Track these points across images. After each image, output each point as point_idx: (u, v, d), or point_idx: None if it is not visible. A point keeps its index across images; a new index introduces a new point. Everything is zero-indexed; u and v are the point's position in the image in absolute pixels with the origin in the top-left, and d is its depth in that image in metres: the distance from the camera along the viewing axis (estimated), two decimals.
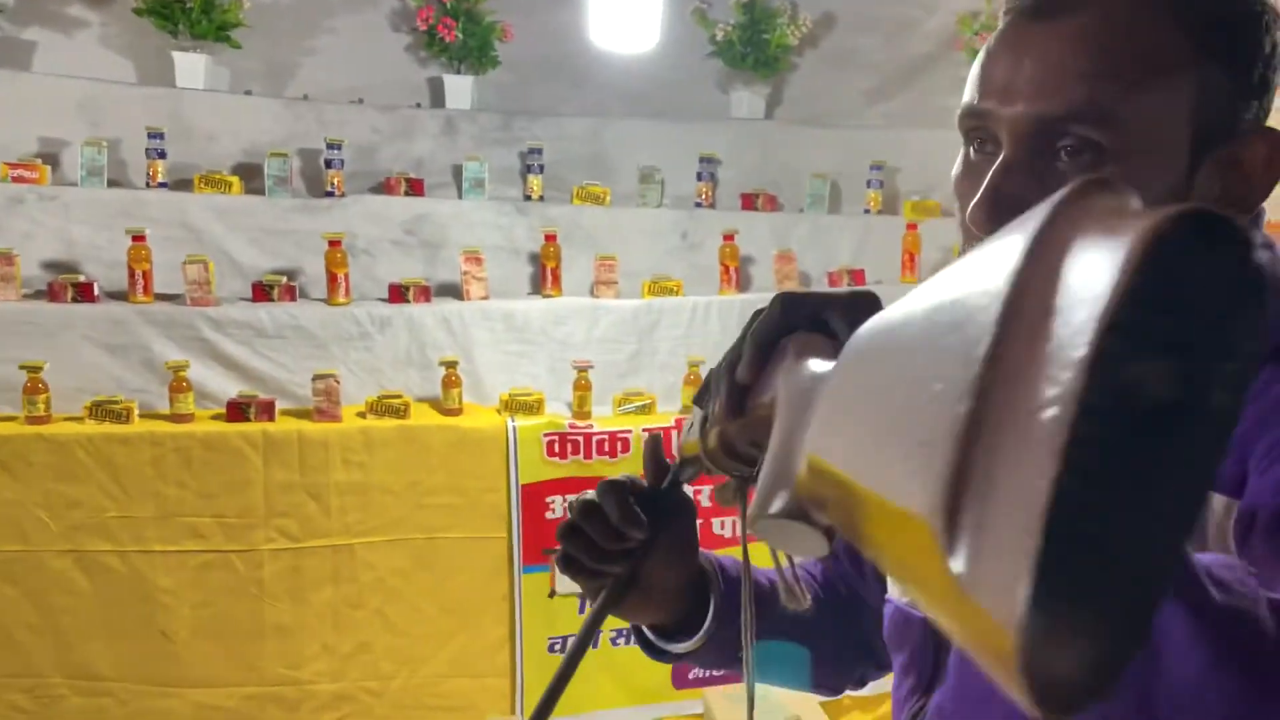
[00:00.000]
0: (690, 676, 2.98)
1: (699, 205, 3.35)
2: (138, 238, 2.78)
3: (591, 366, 2.94)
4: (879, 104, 3.64)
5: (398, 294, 2.98)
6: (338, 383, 2.77)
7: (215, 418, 2.75)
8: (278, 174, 3.04)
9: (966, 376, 0.31)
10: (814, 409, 0.45)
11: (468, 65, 3.27)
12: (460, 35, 3.19)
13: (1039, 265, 0.31)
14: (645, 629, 0.91)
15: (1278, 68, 0.65)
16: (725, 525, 2.80)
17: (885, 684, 0.88)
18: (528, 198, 3.24)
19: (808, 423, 0.46)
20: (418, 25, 3.23)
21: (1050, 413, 0.28)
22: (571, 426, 2.85)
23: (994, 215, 0.63)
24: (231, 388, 2.80)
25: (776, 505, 0.47)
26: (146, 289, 2.80)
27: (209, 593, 2.67)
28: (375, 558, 2.76)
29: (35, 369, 2.61)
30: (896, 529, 0.33)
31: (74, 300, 2.75)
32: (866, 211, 3.44)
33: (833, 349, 0.53)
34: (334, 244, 2.93)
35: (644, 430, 2.81)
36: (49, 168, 2.93)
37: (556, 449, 2.84)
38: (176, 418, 2.70)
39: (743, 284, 3.28)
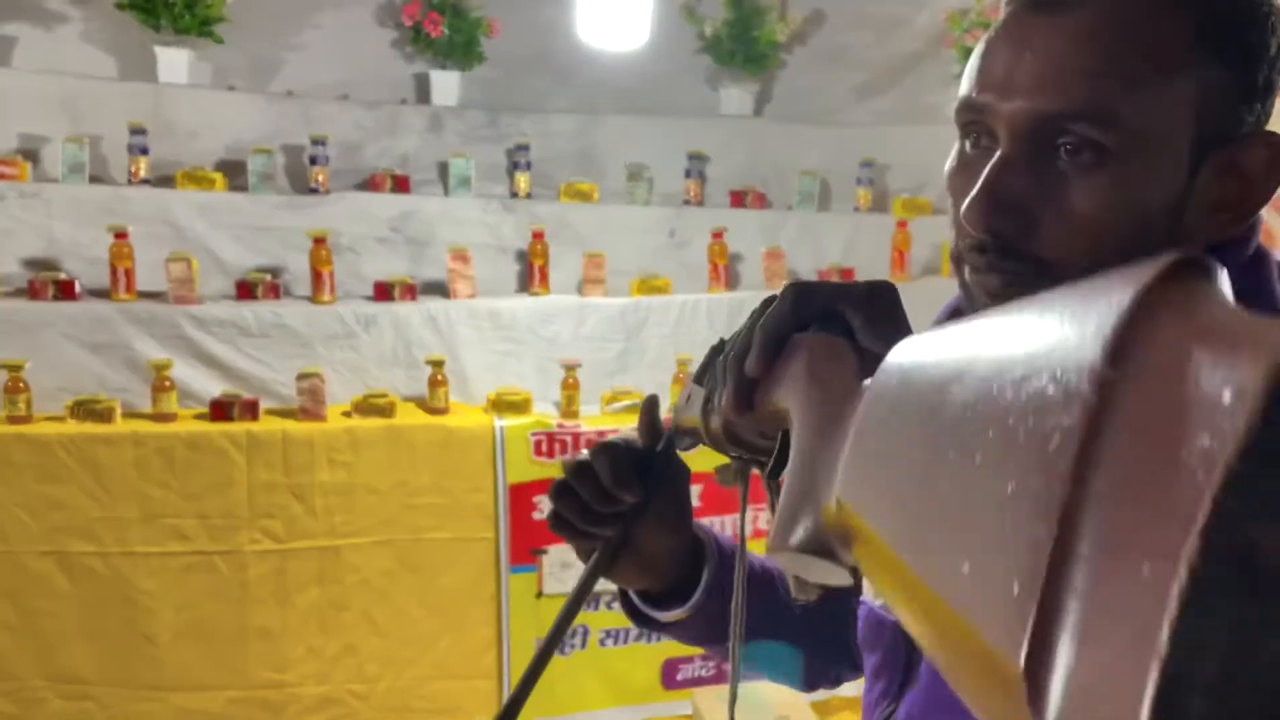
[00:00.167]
0: (679, 677, 2.97)
1: (687, 203, 3.34)
2: (120, 235, 2.75)
3: (579, 365, 2.92)
4: (868, 101, 3.62)
5: (383, 292, 2.96)
6: (322, 382, 2.74)
7: (199, 417, 2.72)
8: (262, 170, 3.01)
9: (1052, 491, 0.28)
10: (844, 439, 0.43)
11: (454, 61, 3.24)
12: (446, 31, 3.16)
13: (1129, 363, 0.28)
14: (633, 594, 0.90)
15: None
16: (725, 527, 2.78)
17: None
18: (515, 195, 3.22)
19: (837, 454, 0.44)
20: (403, 20, 3.20)
21: (1166, 564, 0.24)
22: (559, 426, 2.83)
23: (989, 214, 0.61)
24: (215, 387, 2.77)
25: (799, 537, 0.45)
26: (129, 287, 2.76)
27: (192, 595, 2.64)
28: (361, 559, 2.74)
29: (16, 368, 2.58)
30: (960, 648, 0.30)
31: (55, 298, 2.72)
32: (856, 209, 3.43)
33: (850, 355, 0.52)
34: (319, 241, 2.90)
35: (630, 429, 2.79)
36: (29, 164, 2.89)
37: (544, 449, 2.81)
38: (159, 417, 2.67)
39: (731, 282, 3.26)
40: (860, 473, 0.41)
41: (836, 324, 0.55)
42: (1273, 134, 0.63)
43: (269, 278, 2.90)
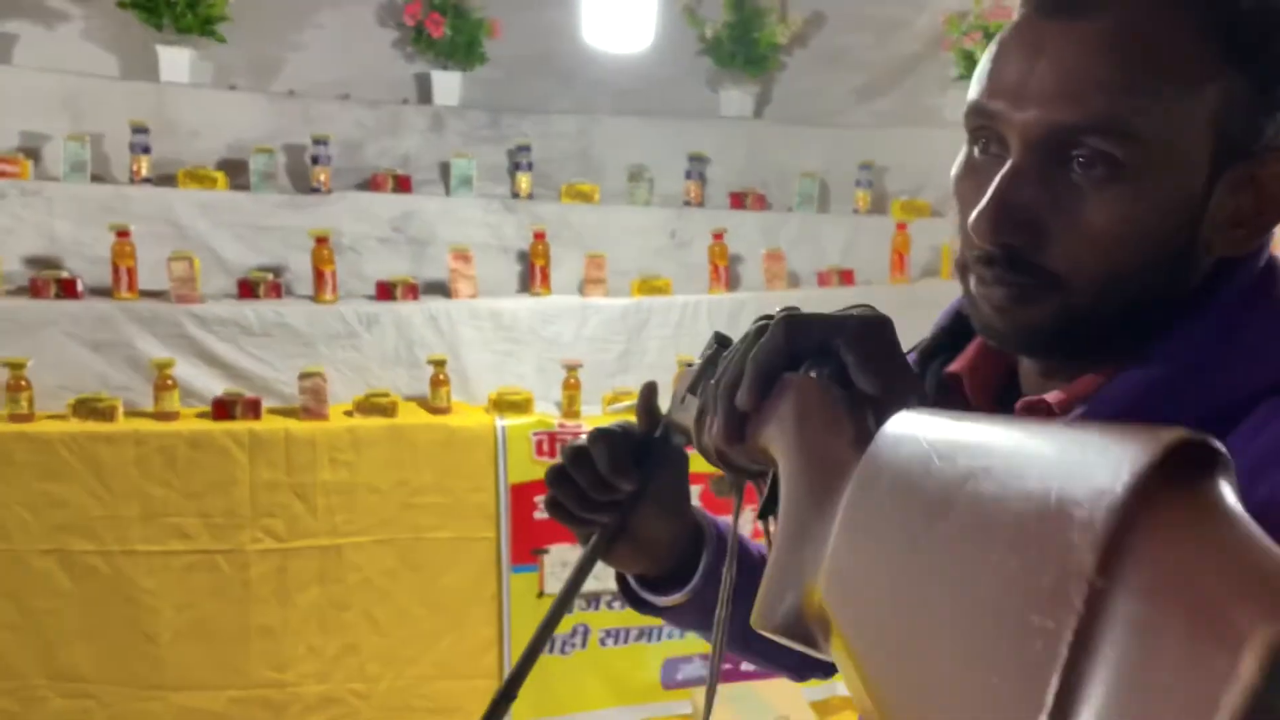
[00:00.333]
0: (679, 677, 2.98)
1: (687, 204, 3.35)
2: (122, 234, 2.75)
3: (581, 365, 2.92)
4: (868, 103, 3.64)
5: (385, 292, 2.96)
6: (324, 381, 2.74)
7: (201, 416, 2.72)
8: (263, 170, 3.01)
9: (1036, 691, 0.28)
10: (833, 518, 0.43)
11: (455, 61, 3.24)
12: (448, 31, 3.17)
13: (1121, 578, 0.28)
14: (631, 579, 0.90)
15: None
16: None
17: None
18: (516, 195, 3.22)
19: (824, 533, 0.43)
20: (405, 21, 3.20)
21: None
22: (560, 426, 2.84)
23: (999, 226, 0.60)
24: (217, 386, 2.77)
25: (780, 619, 0.45)
26: (131, 285, 2.76)
27: (193, 594, 2.64)
28: (362, 558, 2.74)
29: (18, 366, 2.58)
30: None
31: (57, 297, 2.71)
32: (855, 211, 3.45)
33: (845, 415, 0.51)
34: (321, 241, 2.90)
35: None
36: (31, 162, 2.88)
37: (545, 448, 2.82)
38: (161, 416, 2.67)
39: (732, 283, 3.27)
40: (844, 575, 0.41)
41: (830, 360, 0.54)
42: None
43: (271, 277, 2.90)
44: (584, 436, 0.83)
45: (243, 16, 3.10)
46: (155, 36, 3.03)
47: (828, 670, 0.99)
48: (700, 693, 2.93)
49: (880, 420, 0.49)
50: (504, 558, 2.82)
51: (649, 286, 3.16)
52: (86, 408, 2.61)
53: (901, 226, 3.31)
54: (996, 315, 0.63)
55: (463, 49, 3.22)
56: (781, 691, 2.80)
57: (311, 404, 2.72)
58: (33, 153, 2.94)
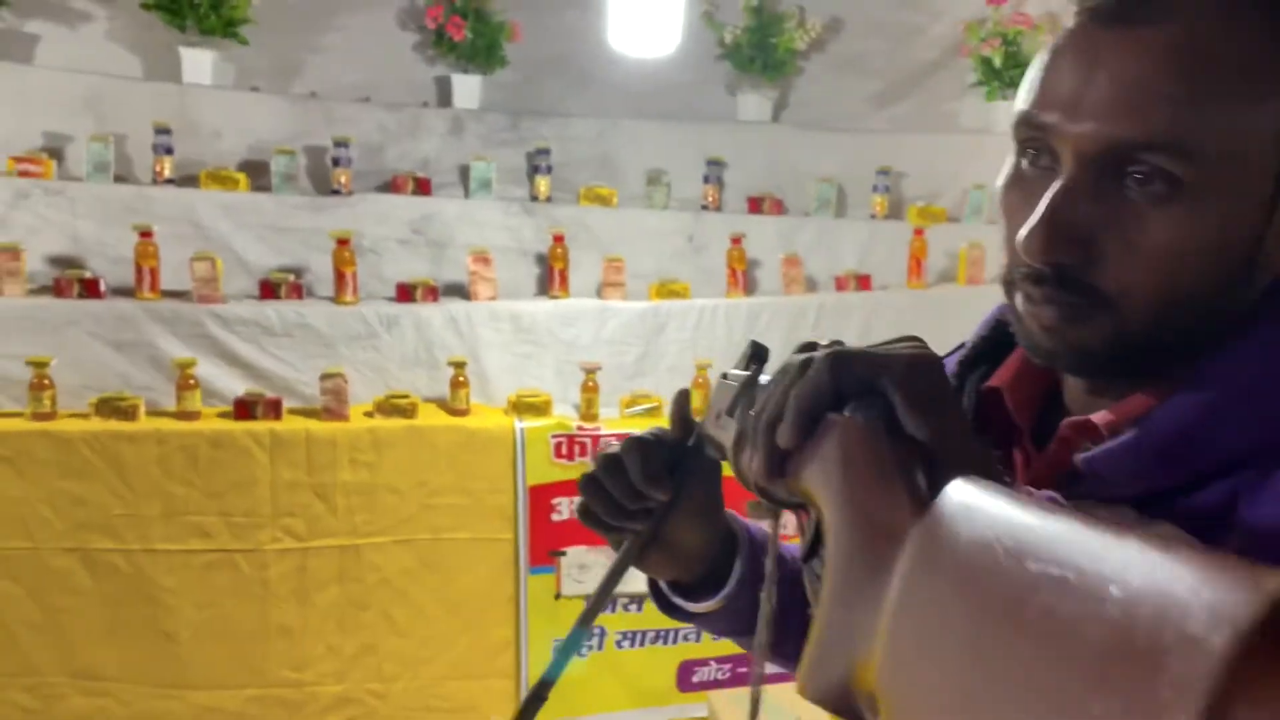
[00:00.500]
0: (695, 680, 2.98)
1: (705, 208, 3.35)
2: (145, 234, 2.76)
3: (599, 368, 2.93)
4: (885, 109, 3.65)
5: (405, 293, 2.97)
6: (345, 382, 2.75)
7: (222, 416, 2.73)
8: (285, 171, 3.02)
9: None
10: (886, 591, 0.41)
11: (476, 65, 3.26)
12: (469, 34, 3.18)
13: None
14: (663, 584, 0.89)
15: None
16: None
17: None
18: (534, 198, 3.23)
19: (877, 607, 0.42)
20: (426, 24, 3.22)
21: None
22: (579, 428, 2.84)
23: (1050, 244, 0.58)
24: (238, 386, 2.78)
25: (826, 688, 0.44)
26: (154, 285, 2.78)
27: (213, 593, 2.65)
28: (381, 558, 2.75)
29: (41, 365, 2.59)
30: None
31: (80, 296, 2.73)
32: (872, 216, 3.45)
33: (896, 473, 0.48)
34: (342, 243, 2.91)
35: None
36: (54, 162, 2.90)
37: (564, 451, 2.83)
38: (183, 415, 2.68)
39: (749, 287, 3.28)
40: (903, 664, 0.39)
41: (876, 400, 0.51)
42: None
43: (292, 278, 2.91)
44: (616, 444, 0.82)
45: (265, 19, 3.11)
46: (178, 38, 3.04)
47: None
48: (716, 695, 2.93)
49: (932, 471, 0.48)
50: (522, 559, 2.82)
51: (667, 290, 3.16)
52: (109, 407, 2.62)
53: (919, 232, 3.31)
54: (1045, 334, 0.61)
55: (483, 52, 3.23)
56: (796, 694, 2.80)
57: (333, 404, 2.73)
58: (56, 153, 2.95)
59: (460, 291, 3.08)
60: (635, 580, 0.87)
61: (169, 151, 2.94)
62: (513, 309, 3.03)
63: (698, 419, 0.79)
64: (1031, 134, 0.61)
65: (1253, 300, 0.59)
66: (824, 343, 0.58)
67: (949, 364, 0.76)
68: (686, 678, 2.97)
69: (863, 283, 3.31)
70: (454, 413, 2.87)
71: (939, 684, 0.37)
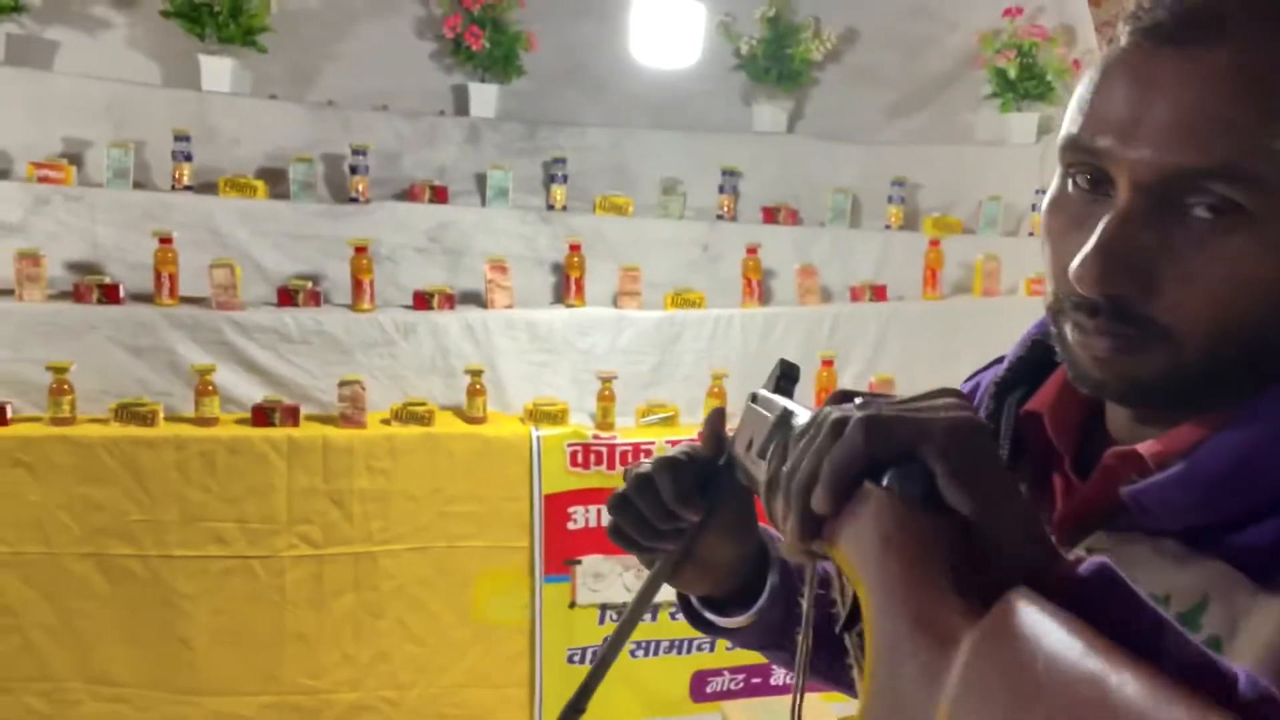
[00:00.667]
0: (709, 690, 2.98)
1: (720, 218, 3.36)
2: (165, 240, 2.77)
3: (616, 377, 2.93)
4: (900, 120, 3.65)
5: (422, 301, 2.98)
6: (363, 389, 2.76)
7: (240, 422, 2.74)
8: (303, 179, 3.03)
9: None
10: (936, 709, 0.41)
11: (492, 74, 3.27)
12: (486, 44, 3.19)
13: None
14: (693, 598, 0.89)
15: None
16: None
17: None
18: (551, 207, 3.24)
19: (926, 713, 0.41)
20: (444, 33, 3.23)
21: None
22: (595, 437, 2.85)
23: (1106, 276, 0.55)
24: (256, 392, 2.79)
25: None
26: (172, 292, 2.79)
27: (229, 599, 2.66)
28: (397, 566, 2.75)
29: (61, 370, 2.60)
30: None
31: (99, 302, 2.74)
32: (887, 227, 3.45)
33: (934, 540, 0.46)
34: (359, 250, 2.92)
35: (667, 441, 2.80)
36: (74, 168, 2.91)
37: (580, 459, 2.83)
38: (201, 421, 2.69)
39: (764, 297, 3.28)
40: None
41: (915, 468, 0.49)
42: None
43: (309, 285, 2.92)
44: (647, 462, 0.81)
45: (283, 27, 3.13)
46: (197, 45, 3.06)
47: None
48: (730, 705, 2.93)
49: (977, 550, 0.46)
50: (537, 567, 2.82)
51: (682, 299, 3.17)
52: (127, 412, 2.63)
53: (934, 243, 3.32)
54: (1096, 365, 0.59)
55: (500, 62, 3.24)
56: (811, 706, 2.80)
57: (351, 412, 2.74)
58: (76, 159, 2.97)
59: (477, 300, 3.08)
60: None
61: (188, 158, 2.95)
62: (529, 317, 3.04)
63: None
64: (1081, 158, 0.58)
65: None
66: (858, 390, 0.56)
67: (984, 381, 0.75)
68: (700, 688, 2.97)
69: (878, 293, 3.31)
70: (470, 420, 2.87)
71: None
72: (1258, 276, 0.54)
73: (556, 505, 2.82)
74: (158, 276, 2.78)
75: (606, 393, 2.92)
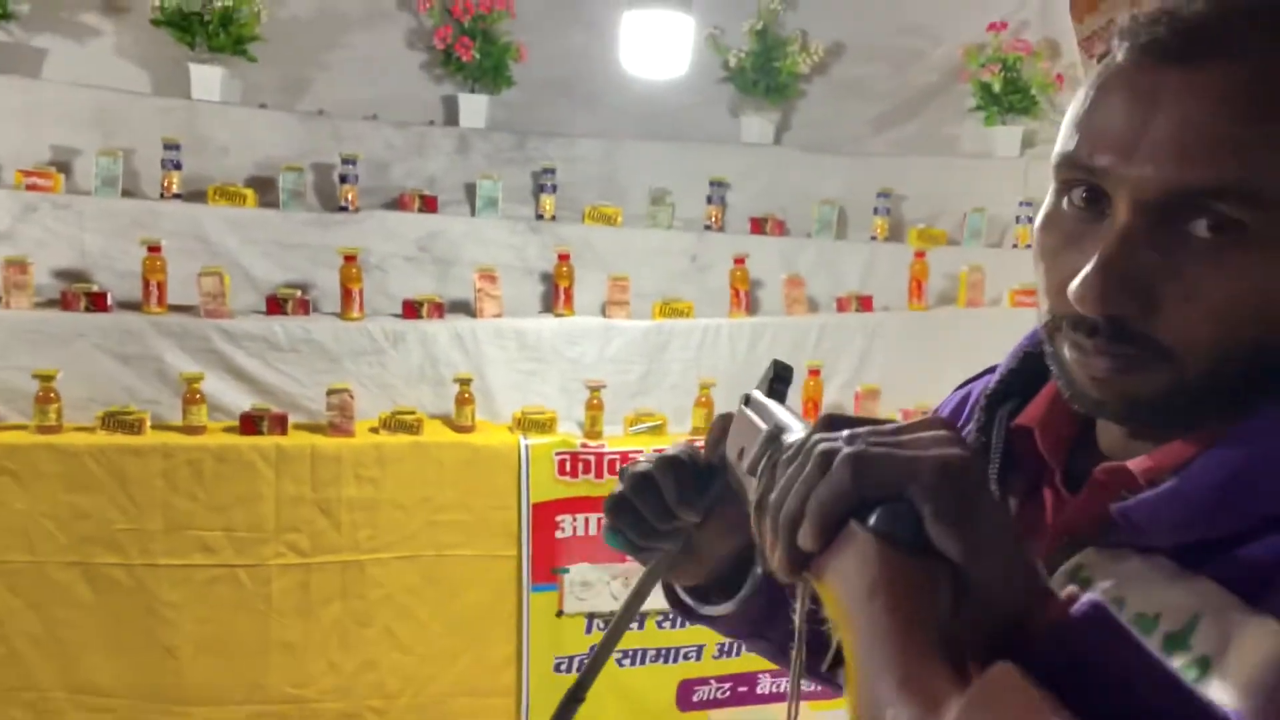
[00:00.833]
0: (695, 699, 2.98)
1: (708, 228, 3.38)
2: (153, 249, 2.77)
3: (604, 386, 2.95)
4: (886, 132, 3.69)
5: (411, 310, 2.98)
6: (352, 398, 2.76)
7: (227, 430, 2.73)
8: (292, 188, 3.04)
9: None
10: None
11: (482, 84, 3.28)
12: (476, 55, 3.21)
13: None
14: (676, 585, 0.89)
15: None
16: None
17: None
18: (540, 217, 3.26)
19: None
20: (435, 44, 3.25)
21: None
22: (583, 446, 2.85)
23: (1108, 296, 0.55)
24: (244, 400, 2.79)
25: None
26: (160, 300, 2.78)
27: (215, 608, 2.65)
28: (384, 574, 2.75)
29: (48, 378, 2.59)
30: None
31: (87, 309, 2.73)
32: (873, 238, 3.48)
33: (920, 590, 0.46)
34: (349, 259, 2.93)
35: (655, 450, 2.81)
36: (62, 176, 2.91)
37: (568, 468, 2.84)
38: (189, 429, 2.68)
39: (752, 307, 3.30)
40: None
41: (903, 508, 0.48)
42: None
43: (299, 294, 2.92)
44: (645, 462, 0.81)
45: (274, 36, 3.14)
46: (187, 54, 3.06)
47: None
48: (717, 714, 2.94)
49: (966, 595, 0.46)
50: (525, 576, 2.83)
51: (670, 309, 3.18)
52: (114, 420, 2.63)
53: (919, 254, 3.34)
54: (1094, 385, 0.58)
55: (490, 72, 3.26)
56: (802, 717, 2.80)
57: (339, 420, 2.74)
58: (64, 167, 2.96)
59: (466, 309, 3.09)
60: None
61: (177, 167, 2.95)
62: (518, 326, 3.05)
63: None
64: (1078, 175, 0.58)
65: None
66: (847, 414, 0.56)
67: (975, 392, 0.75)
68: (687, 696, 2.97)
69: (864, 304, 3.34)
70: (459, 429, 2.87)
71: None
72: (1259, 295, 0.54)
73: (544, 514, 2.83)
74: (146, 284, 2.77)
75: (595, 402, 2.93)
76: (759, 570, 0.85)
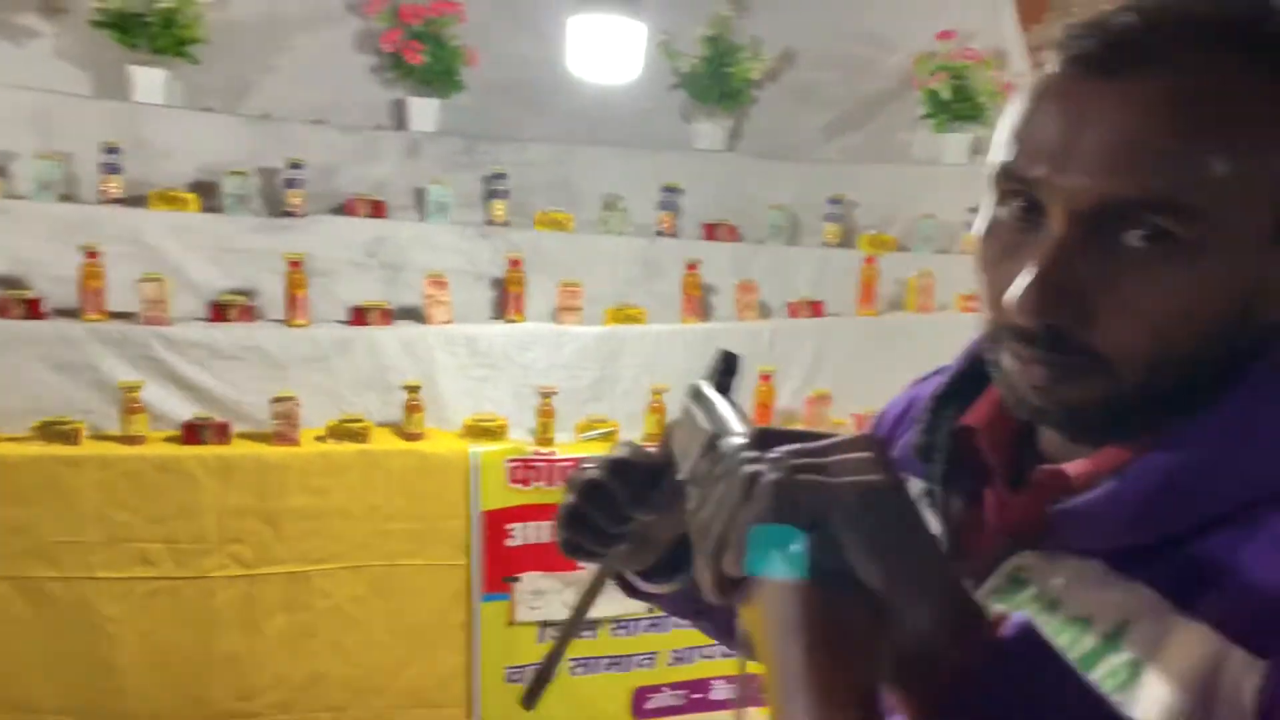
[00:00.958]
0: (648, 706, 2.97)
1: (661, 234, 3.38)
2: (91, 254, 2.71)
3: (556, 392, 2.93)
4: (837, 139, 3.71)
5: (359, 317, 2.94)
6: (297, 406, 2.71)
7: (169, 440, 2.68)
8: (237, 192, 2.99)
9: None
10: None
11: (432, 88, 3.25)
12: (426, 58, 3.18)
13: None
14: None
15: None
16: None
17: None
18: (490, 222, 3.23)
19: None
20: (383, 47, 3.21)
21: None
22: (535, 453, 2.83)
23: (1044, 305, 0.55)
24: (185, 409, 2.73)
25: None
26: (99, 307, 2.72)
27: (157, 622, 2.59)
28: (331, 585, 2.70)
29: None
30: None
31: (22, 317, 2.66)
32: (824, 244, 3.50)
33: (840, 628, 0.46)
34: (294, 264, 2.88)
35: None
36: None
37: (519, 475, 2.81)
38: (128, 439, 2.62)
39: (705, 313, 3.30)
40: None
41: (826, 537, 0.48)
42: None
43: (243, 300, 2.87)
44: (591, 469, 0.80)
45: (219, 38, 3.08)
46: (128, 56, 3.00)
47: None
48: None
49: (891, 624, 0.46)
50: (475, 585, 2.80)
51: (623, 315, 3.17)
52: (50, 431, 2.56)
53: (870, 260, 3.37)
54: (1034, 393, 0.59)
55: (440, 76, 3.23)
56: None
57: (284, 429, 2.69)
58: (0, 170, 2.89)
59: (415, 315, 3.06)
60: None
61: (117, 171, 2.89)
62: (468, 333, 3.02)
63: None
64: (1014, 185, 0.58)
65: (1244, 349, 0.56)
66: (778, 428, 0.55)
67: (923, 395, 0.75)
68: (640, 704, 2.96)
69: (815, 309, 3.35)
70: (408, 437, 2.84)
71: None
72: (1193, 305, 0.54)
73: (495, 522, 2.80)
74: (84, 291, 2.71)
75: (546, 408, 2.91)
76: None
